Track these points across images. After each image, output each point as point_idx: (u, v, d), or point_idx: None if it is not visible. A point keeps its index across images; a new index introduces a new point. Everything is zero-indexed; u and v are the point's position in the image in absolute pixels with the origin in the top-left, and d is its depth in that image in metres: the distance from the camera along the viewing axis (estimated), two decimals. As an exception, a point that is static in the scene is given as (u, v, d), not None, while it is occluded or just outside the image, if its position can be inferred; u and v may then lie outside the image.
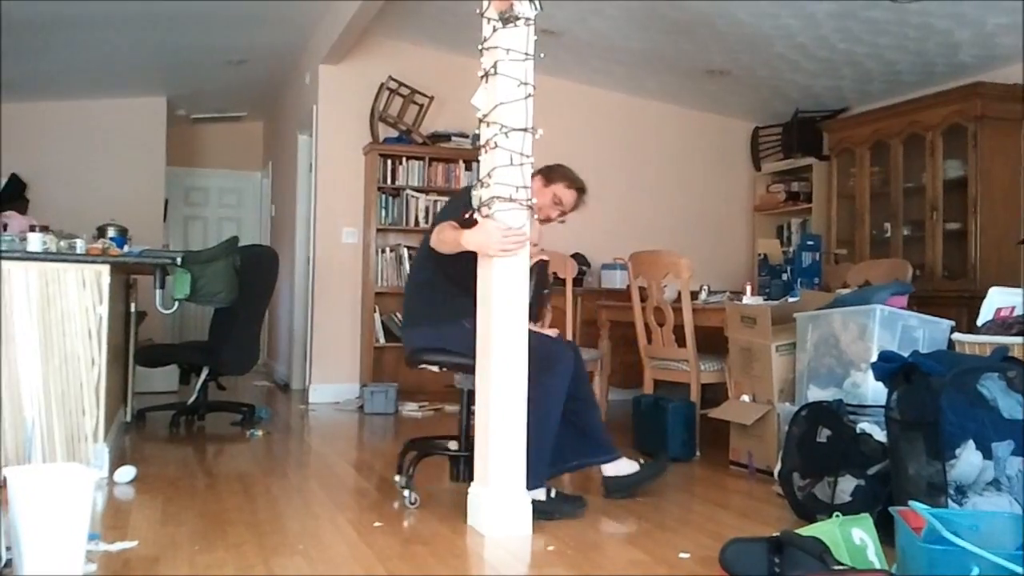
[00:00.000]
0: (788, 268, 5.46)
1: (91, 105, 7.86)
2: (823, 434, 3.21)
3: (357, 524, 3.04)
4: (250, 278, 4.99)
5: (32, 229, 3.83)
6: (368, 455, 4.61)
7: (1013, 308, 3.27)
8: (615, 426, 5.40)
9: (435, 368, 3.46)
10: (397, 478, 3.45)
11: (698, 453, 4.44)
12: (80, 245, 3.74)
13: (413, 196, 6.50)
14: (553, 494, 3.24)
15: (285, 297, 7.63)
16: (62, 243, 3.75)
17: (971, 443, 2.55)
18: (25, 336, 3.42)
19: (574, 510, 3.22)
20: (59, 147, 7.76)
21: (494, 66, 2.97)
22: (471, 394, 3.30)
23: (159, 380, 6.24)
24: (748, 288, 5.04)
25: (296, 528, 3.00)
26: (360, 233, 6.60)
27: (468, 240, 3.01)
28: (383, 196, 6.47)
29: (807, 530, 2.43)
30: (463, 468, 3.47)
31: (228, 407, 5.40)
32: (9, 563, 2.29)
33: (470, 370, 3.20)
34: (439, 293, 3.37)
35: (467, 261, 3.15)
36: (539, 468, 3.12)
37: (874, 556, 2.40)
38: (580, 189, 3.53)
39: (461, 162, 6.59)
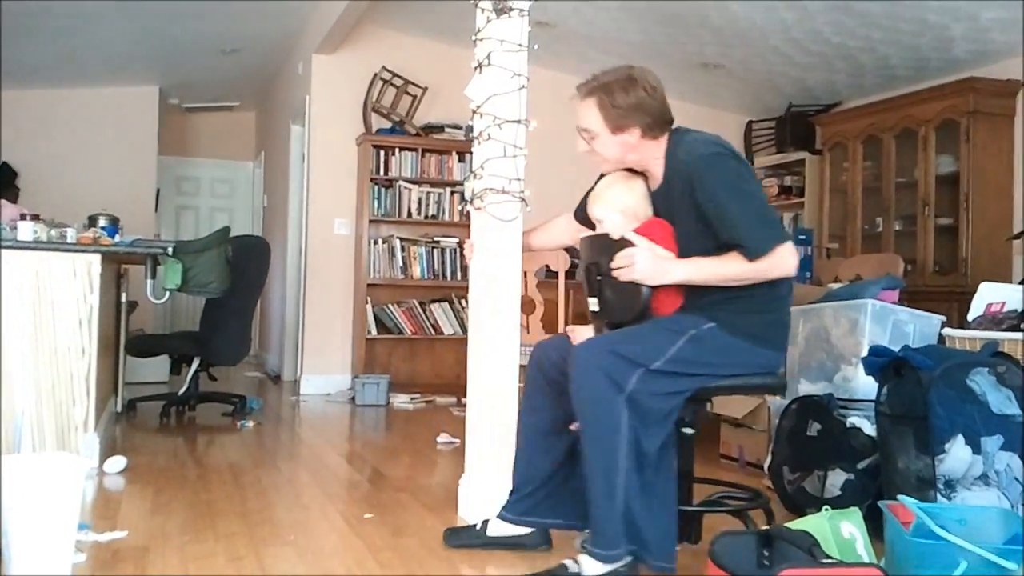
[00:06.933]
0: (780, 262, 5.45)
1: (83, 94, 7.82)
2: (813, 428, 3.23)
3: (347, 515, 3.04)
4: (242, 268, 4.98)
5: (23, 218, 3.80)
6: (359, 447, 4.60)
7: (1004, 303, 3.28)
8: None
9: None
10: None
11: (689, 446, 4.45)
12: (71, 234, 3.73)
13: (406, 187, 6.49)
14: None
15: (277, 288, 7.61)
16: (53, 232, 3.73)
17: (960, 438, 2.56)
18: (15, 325, 3.40)
19: None
20: (50, 136, 7.72)
21: (488, 57, 2.96)
22: None
23: (150, 370, 6.23)
24: (740, 282, 5.04)
25: (286, 519, 2.99)
26: (352, 224, 6.58)
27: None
28: (376, 187, 6.45)
29: (796, 523, 2.43)
30: None
31: (219, 398, 5.39)
32: (-2, 553, 2.29)
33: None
34: None
35: None
36: (611, 525, 2.23)
37: (863, 550, 2.40)
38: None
39: (454, 153, 6.58)
